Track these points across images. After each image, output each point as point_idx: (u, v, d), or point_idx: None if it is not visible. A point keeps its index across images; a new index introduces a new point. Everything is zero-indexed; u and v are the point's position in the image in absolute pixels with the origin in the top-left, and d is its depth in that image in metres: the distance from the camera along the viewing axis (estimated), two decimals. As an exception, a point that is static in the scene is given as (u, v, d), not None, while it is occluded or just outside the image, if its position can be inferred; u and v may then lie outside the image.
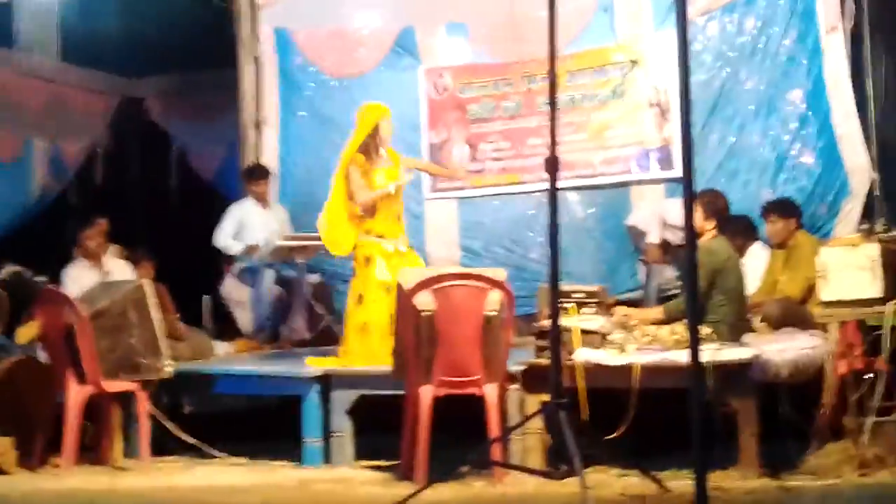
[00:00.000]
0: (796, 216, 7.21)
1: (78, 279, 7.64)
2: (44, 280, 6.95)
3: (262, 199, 8.89)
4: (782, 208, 7.25)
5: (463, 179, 8.54)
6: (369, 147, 7.02)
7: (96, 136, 10.75)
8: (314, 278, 8.89)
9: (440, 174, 8.58)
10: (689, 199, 3.79)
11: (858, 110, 7.62)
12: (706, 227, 6.20)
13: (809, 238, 7.15)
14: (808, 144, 7.83)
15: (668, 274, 7.99)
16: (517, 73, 8.81)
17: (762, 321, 6.71)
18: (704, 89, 8.09)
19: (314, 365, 6.74)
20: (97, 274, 7.83)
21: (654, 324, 6.15)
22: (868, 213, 7.44)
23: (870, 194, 7.54)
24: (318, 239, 8.58)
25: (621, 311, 6.42)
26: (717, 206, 6.29)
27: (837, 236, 7.22)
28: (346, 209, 7.07)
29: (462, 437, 5.91)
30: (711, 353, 5.37)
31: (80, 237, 8.02)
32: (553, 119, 5.01)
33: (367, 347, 6.79)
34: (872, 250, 5.52)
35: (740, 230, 7.28)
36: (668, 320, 6.12)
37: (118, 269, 8.07)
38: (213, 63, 9.88)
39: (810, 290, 6.62)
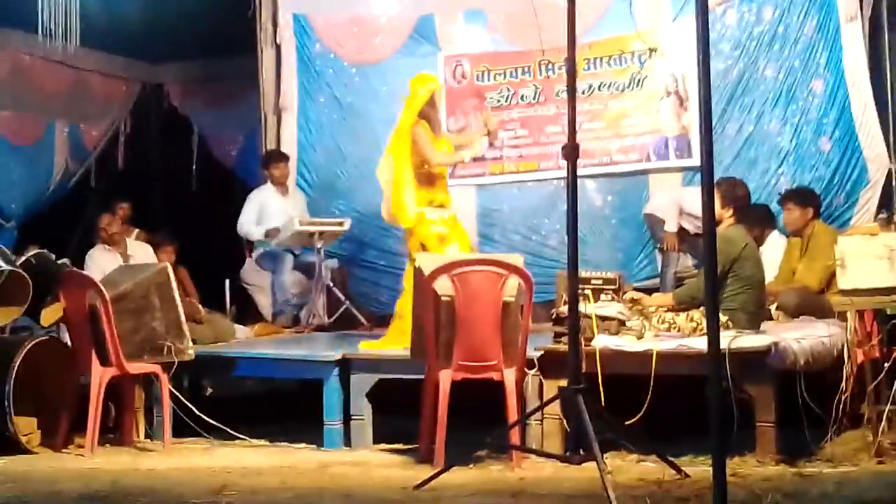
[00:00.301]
0: (814, 205, 7.23)
1: (100, 262, 7.73)
2: (66, 262, 7.00)
3: (281, 184, 8.96)
4: (800, 197, 7.27)
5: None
6: (429, 116, 7.10)
7: (117, 120, 10.82)
8: (333, 263, 8.95)
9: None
10: (709, 186, 3.82)
11: (876, 100, 7.63)
12: (724, 215, 6.24)
13: (827, 228, 7.18)
14: (826, 133, 7.85)
15: (685, 262, 8.02)
16: (535, 61, 8.82)
17: (779, 309, 6.76)
18: (723, 78, 8.13)
19: (368, 348, 6.80)
20: (119, 257, 7.91)
21: (669, 309, 6.19)
22: (886, 203, 7.46)
23: (888, 183, 7.57)
24: (337, 224, 8.70)
25: (630, 295, 6.46)
26: (735, 194, 6.33)
27: (855, 225, 7.25)
28: (410, 177, 7.00)
29: (480, 422, 5.97)
30: (729, 340, 5.41)
31: (102, 222, 8.10)
32: (571, 107, 5.04)
33: None
34: (890, 239, 5.52)
35: (758, 219, 7.31)
36: (677, 306, 6.16)
37: (140, 252, 8.15)
38: (233, 49, 9.92)
39: (828, 280, 6.66)
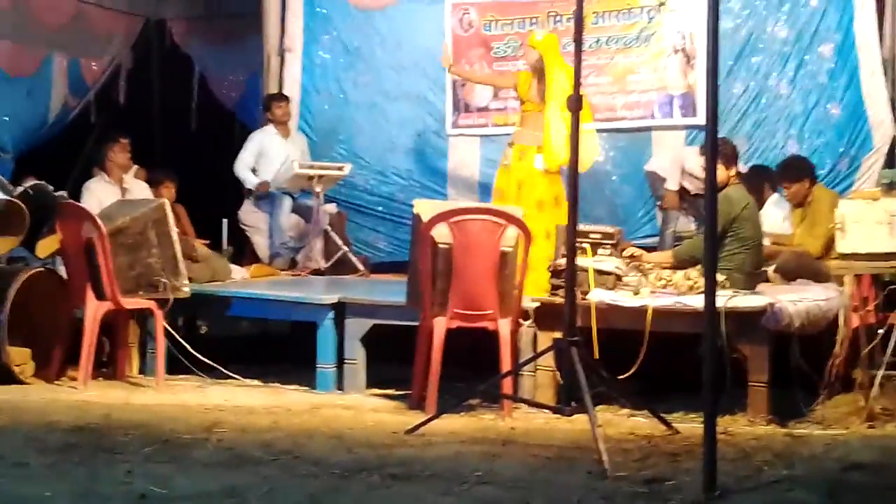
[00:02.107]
0: (808, 176, 7.16)
1: (97, 195, 7.68)
2: (64, 195, 6.98)
3: (282, 125, 8.90)
4: (791, 172, 7.19)
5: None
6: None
7: (118, 56, 10.70)
8: (331, 208, 8.91)
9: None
10: (713, 145, 3.81)
11: (884, 67, 7.60)
12: (730, 174, 6.19)
13: (827, 193, 7.15)
14: (833, 98, 7.82)
15: (685, 221, 8.00)
16: (544, 13, 8.74)
17: (776, 272, 6.75)
18: (731, 37, 8.06)
19: None
20: (117, 191, 7.86)
21: (663, 267, 6.19)
22: (889, 169, 7.43)
23: (891, 150, 7.55)
24: (337, 168, 8.66)
25: (630, 251, 6.45)
26: (725, 152, 6.24)
27: (857, 190, 7.23)
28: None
29: (474, 371, 5.99)
30: (725, 299, 5.41)
31: (105, 152, 8.01)
32: (578, 58, 5.00)
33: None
34: (891, 205, 5.52)
35: (760, 180, 7.28)
36: (676, 264, 6.15)
37: (138, 188, 8.09)
38: (237, -12, 9.83)
39: (829, 245, 6.65)
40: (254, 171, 8.83)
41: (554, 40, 7.57)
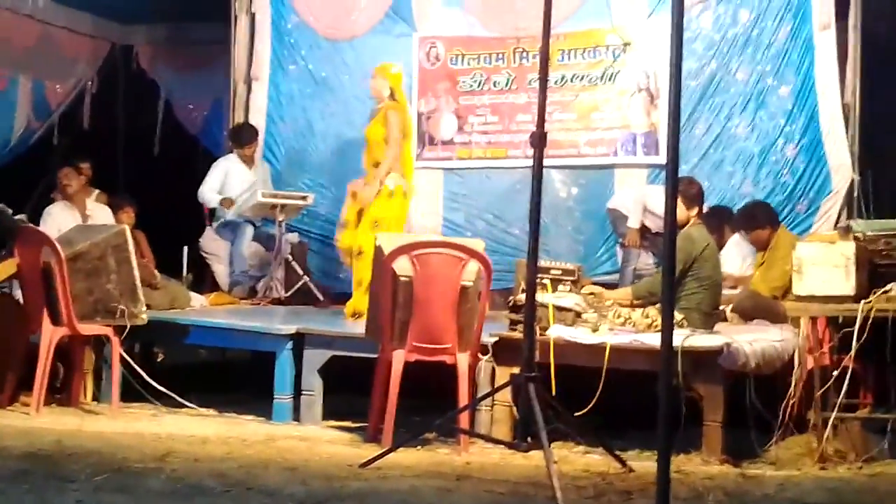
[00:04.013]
0: (769, 222, 7.20)
1: (58, 219, 7.63)
2: (23, 218, 6.92)
3: (247, 159, 8.90)
4: (749, 221, 7.26)
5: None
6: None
7: (84, 79, 10.68)
8: (293, 237, 8.90)
9: None
10: (674, 185, 3.82)
11: (843, 110, 7.70)
12: (690, 215, 6.24)
13: (789, 236, 7.21)
14: (793, 140, 7.92)
15: (646, 259, 8.06)
16: (510, 49, 8.82)
17: (733, 311, 6.80)
18: (694, 77, 8.17)
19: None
20: (78, 216, 7.81)
21: (625, 305, 6.21)
22: (847, 213, 7.53)
23: (849, 193, 7.64)
24: (301, 198, 8.66)
25: (589, 288, 6.48)
26: (691, 192, 6.31)
27: (815, 233, 7.30)
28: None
29: (431, 404, 5.97)
30: (682, 338, 5.44)
31: (62, 175, 7.97)
32: (542, 94, 5.04)
33: None
34: (848, 249, 5.56)
35: (720, 220, 7.35)
36: (636, 301, 6.18)
37: (100, 214, 8.06)
38: (206, 15, 9.83)
39: (785, 288, 6.71)
40: (218, 195, 8.81)
41: (401, 78, 7.78)
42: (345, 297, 8.15)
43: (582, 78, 8.61)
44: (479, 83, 8.94)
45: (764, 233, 7.18)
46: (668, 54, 3.77)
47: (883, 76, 7.93)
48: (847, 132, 7.67)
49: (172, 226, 8.86)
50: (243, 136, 8.95)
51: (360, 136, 9.02)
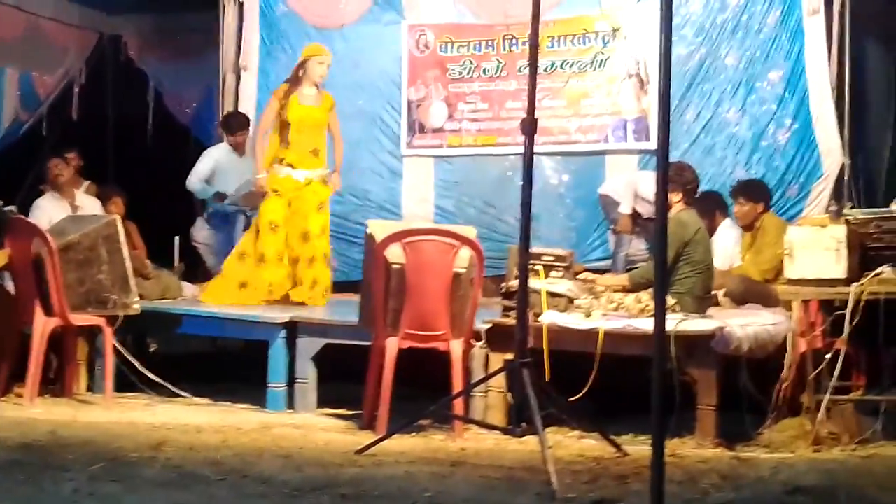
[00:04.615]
0: (764, 200, 7.30)
1: (48, 211, 7.60)
2: (13, 209, 6.91)
3: (239, 148, 8.87)
4: (750, 191, 7.33)
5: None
6: (296, 77, 7.75)
7: (72, 70, 10.63)
8: (285, 227, 8.87)
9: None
10: (664, 170, 3.83)
11: (833, 94, 7.70)
12: (673, 199, 6.23)
13: (776, 220, 7.25)
14: (783, 125, 7.91)
15: (637, 245, 8.07)
16: (499, 35, 8.80)
17: (726, 296, 6.82)
18: (684, 63, 8.13)
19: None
20: (68, 208, 7.78)
21: (618, 290, 6.22)
22: (837, 196, 7.55)
23: (840, 177, 7.65)
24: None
25: (586, 276, 6.50)
26: (683, 178, 6.31)
27: (806, 217, 7.32)
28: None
29: (425, 391, 5.98)
30: (675, 323, 5.45)
31: (52, 165, 7.92)
32: (532, 80, 5.04)
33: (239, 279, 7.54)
34: (839, 232, 5.58)
35: (711, 206, 7.36)
36: (631, 288, 6.20)
37: (89, 204, 8.03)
38: (194, 5, 9.79)
39: (775, 272, 6.74)
40: (206, 184, 8.79)
41: (305, 49, 8.01)
42: (338, 285, 8.15)
43: (572, 64, 8.60)
44: (469, 70, 8.93)
45: (755, 209, 7.22)
46: (657, 40, 3.78)
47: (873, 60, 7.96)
48: (837, 116, 7.67)
49: (164, 216, 8.84)
50: (233, 124, 8.91)
51: (350, 124, 9.06)
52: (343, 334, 6.40)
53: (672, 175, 6.12)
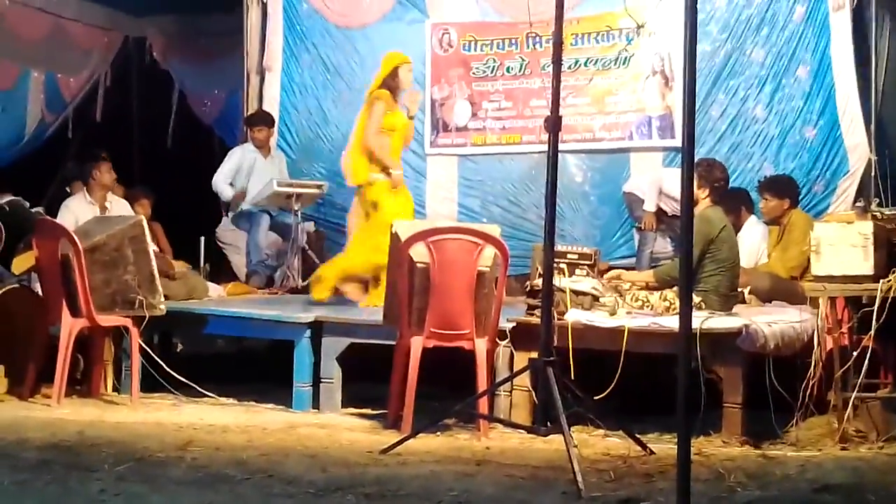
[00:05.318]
0: (791, 195, 7.28)
1: (76, 213, 7.63)
2: (40, 210, 6.95)
3: (263, 146, 8.90)
4: (777, 186, 7.31)
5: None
6: (391, 88, 7.45)
7: (97, 72, 10.70)
8: (309, 226, 8.91)
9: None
10: (689, 167, 3.82)
11: (860, 89, 7.65)
12: (700, 196, 6.20)
13: (803, 217, 7.21)
14: (810, 121, 7.87)
15: (663, 242, 8.04)
16: (523, 34, 8.78)
17: (752, 293, 6.79)
18: (709, 60, 8.12)
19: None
20: (97, 210, 7.81)
21: (643, 288, 6.20)
22: (864, 193, 7.49)
23: (866, 173, 7.60)
24: (316, 187, 8.67)
25: (612, 273, 6.48)
26: (713, 175, 6.28)
27: (832, 213, 7.28)
28: (361, 141, 7.46)
29: (450, 390, 5.98)
30: (701, 320, 5.43)
31: (90, 171, 7.85)
32: (556, 78, 5.03)
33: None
34: (866, 228, 5.53)
35: (737, 203, 7.33)
36: (657, 284, 6.17)
37: (118, 206, 8.05)
38: (218, 5, 9.84)
39: (802, 269, 6.69)
40: (231, 186, 8.83)
41: (388, 58, 7.70)
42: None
43: (596, 62, 8.58)
44: (493, 69, 8.93)
45: (782, 204, 7.20)
46: (681, 37, 3.76)
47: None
48: (864, 112, 7.62)
49: (189, 216, 8.88)
50: (253, 118, 8.98)
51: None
52: (368, 334, 6.40)
53: (701, 172, 6.13)
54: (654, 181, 8.03)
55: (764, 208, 7.32)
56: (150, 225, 7.22)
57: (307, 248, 8.64)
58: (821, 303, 5.66)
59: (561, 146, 5.16)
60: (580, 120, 8.55)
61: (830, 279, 5.57)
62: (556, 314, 5.51)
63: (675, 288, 5.84)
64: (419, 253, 5.71)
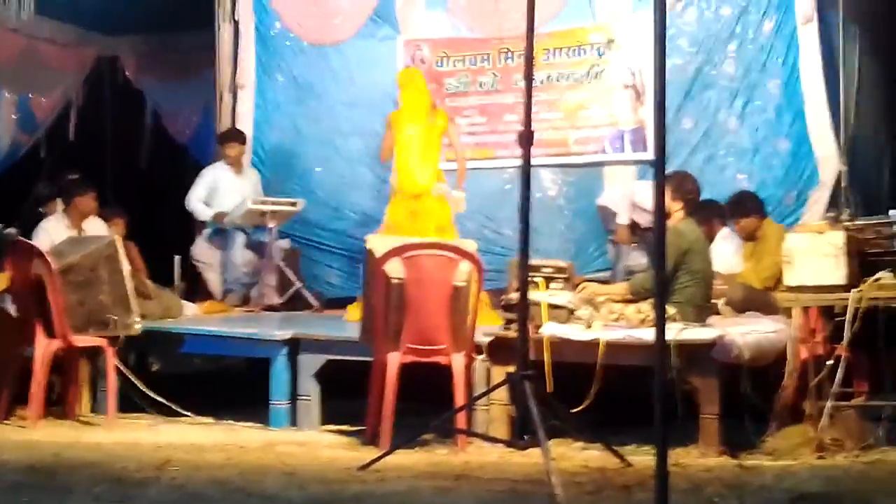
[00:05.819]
0: (757, 210, 7.29)
1: (51, 234, 7.59)
2: (13, 232, 6.91)
3: (235, 164, 8.89)
4: (742, 208, 7.32)
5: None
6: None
7: (69, 91, 10.66)
8: (285, 244, 8.90)
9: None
10: (661, 180, 3.85)
11: (830, 101, 7.73)
12: (673, 208, 6.24)
13: (776, 227, 7.24)
14: (780, 133, 7.93)
15: (637, 255, 8.07)
16: (495, 49, 8.83)
17: (726, 304, 6.82)
18: (679, 73, 8.15)
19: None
20: (74, 232, 7.77)
21: (619, 300, 6.23)
22: (835, 203, 7.56)
23: (837, 184, 7.66)
24: (290, 204, 8.66)
25: (587, 286, 6.50)
26: (684, 188, 6.32)
27: (803, 224, 7.33)
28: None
29: (428, 406, 5.98)
30: (676, 332, 5.46)
31: (72, 198, 7.81)
32: (528, 94, 5.06)
33: None
34: (837, 238, 5.59)
35: (710, 214, 7.37)
36: (632, 296, 6.20)
37: (94, 226, 8.00)
38: (190, 24, 9.84)
39: (775, 279, 6.74)
40: (206, 206, 8.81)
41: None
42: (338, 301, 8.17)
43: (567, 76, 8.63)
44: (465, 84, 8.96)
45: (752, 221, 7.24)
46: (652, 51, 3.80)
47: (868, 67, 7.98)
48: (833, 124, 7.69)
49: (163, 235, 8.85)
50: (224, 135, 8.97)
51: (347, 141, 9.11)
52: (345, 350, 6.40)
53: (673, 185, 6.16)
54: (626, 194, 8.06)
55: (739, 231, 7.36)
56: (125, 244, 7.19)
57: (283, 265, 8.62)
58: (794, 313, 5.70)
59: (534, 160, 5.19)
60: (553, 134, 8.59)
61: (803, 289, 5.63)
62: (532, 328, 5.54)
63: (650, 300, 5.87)
64: (394, 269, 5.72)
